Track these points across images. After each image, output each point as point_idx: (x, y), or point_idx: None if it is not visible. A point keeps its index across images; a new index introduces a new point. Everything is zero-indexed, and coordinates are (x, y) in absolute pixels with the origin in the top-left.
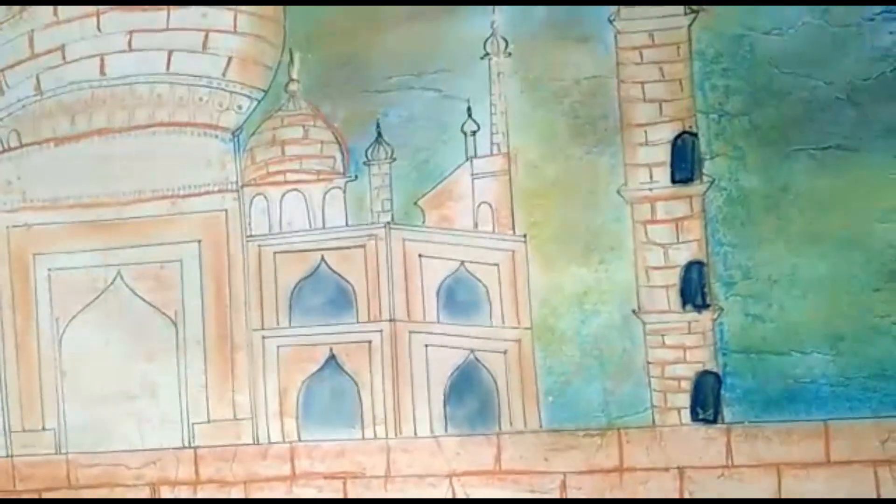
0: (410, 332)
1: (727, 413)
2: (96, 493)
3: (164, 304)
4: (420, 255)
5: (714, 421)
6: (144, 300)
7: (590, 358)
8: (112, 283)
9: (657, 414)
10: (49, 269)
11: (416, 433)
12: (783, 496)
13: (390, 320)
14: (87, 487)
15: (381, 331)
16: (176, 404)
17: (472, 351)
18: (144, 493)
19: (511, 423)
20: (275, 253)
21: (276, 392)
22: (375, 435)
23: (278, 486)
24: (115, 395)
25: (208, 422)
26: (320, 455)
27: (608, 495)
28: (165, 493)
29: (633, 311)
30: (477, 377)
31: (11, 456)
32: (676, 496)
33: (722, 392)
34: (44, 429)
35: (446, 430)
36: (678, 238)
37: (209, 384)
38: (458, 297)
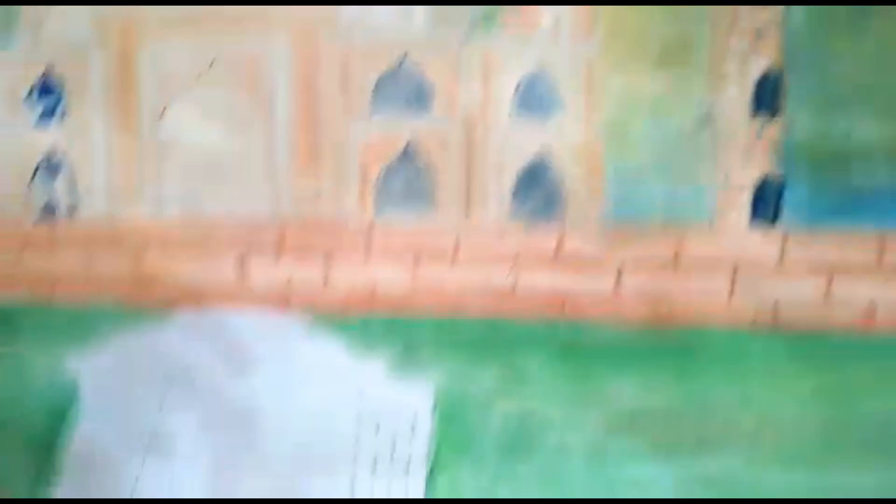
0: (485, 127)
1: (786, 217)
2: (189, 252)
3: (257, 90)
4: (499, 55)
5: (772, 224)
6: (238, 87)
7: (657, 160)
8: (208, 71)
9: (717, 214)
10: (151, 58)
11: (483, 220)
12: (831, 298)
13: (467, 116)
14: (182, 246)
15: (457, 124)
16: (265, 181)
17: (544, 147)
18: (231, 260)
19: (575, 216)
20: (361, 47)
21: (357, 175)
22: (447, 218)
23: (355, 260)
24: (209, 170)
25: (295, 198)
26: (395, 233)
27: (661, 286)
28: (252, 260)
29: (705, 117)
30: (545, 172)
31: (113, 215)
32: (727, 293)
33: (783, 198)
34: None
35: (512, 219)
36: (756, 47)
37: (297, 164)
38: (534, 96)
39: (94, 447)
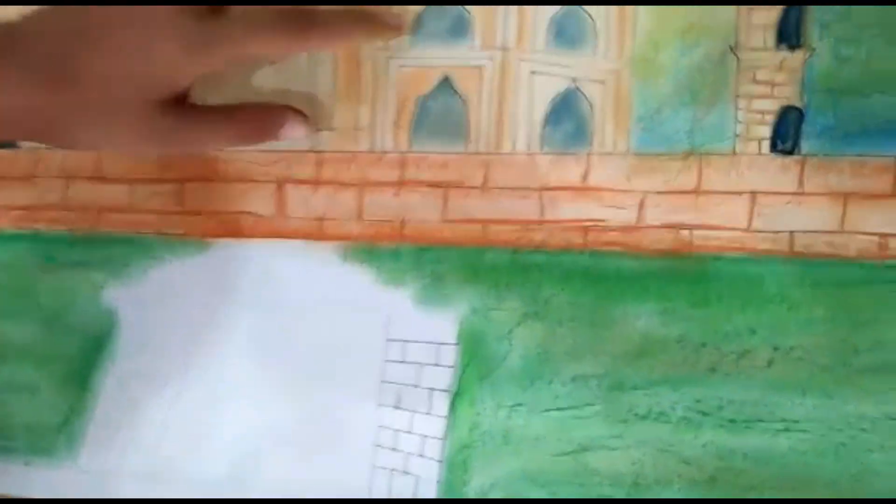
0: (520, 60)
1: (805, 146)
2: (230, 187)
3: None
4: None
5: (791, 152)
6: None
7: (682, 89)
8: None
9: (738, 143)
10: None
11: (513, 149)
12: (846, 226)
13: (502, 48)
14: (223, 180)
15: (492, 58)
16: (306, 111)
17: (574, 79)
18: (271, 189)
19: (601, 146)
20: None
21: (393, 106)
22: (478, 150)
23: (388, 190)
24: (252, 96)
25: (331, 129)
26: (427, 165)
27: (682, 215)
28: (289, 190)
29: (730, 47)
30: (575, 103)
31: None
32: (746, 219)
33: (803, 126)
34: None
35: (541, 149)
36: None
37: (336, 95)
38: (567, 30)
39: (131, 376)
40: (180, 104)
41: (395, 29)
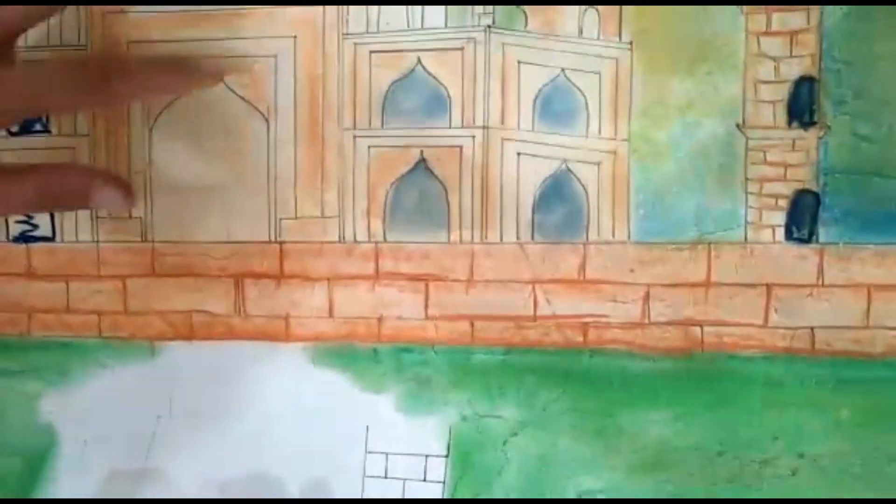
0: (503, 139)
1: (822, 233)
2: (180, 283)
3: (257, 99)
4: (519, 62)
5: (808, 240)
6: (237, 94)
7: (686, 172)
8: None
9: (751, 231)
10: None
11: (501, 239)
12: (871, 318)
13: (484, 127)
14: (170, 276)
15: (473, 137)
16: (264, 199)
17: (565, 161)
18: (228, 285)
19: (599, 235)
20: (370, 52)
21: (364, 192)
22: (461, 239)
23: (361, 285)
24: (203, 187)
25: (295, 218)
26: (405, 256)
27: (692, 309)
28: (249, 286)
29: (737, 126)
30: (568, 187)
31: (97, 241)
32: (762, 314)
33: (819, 212)
34: (130, 217)
35: (532, 238)
36: (791, 52)
37: (298, 181)
38: (555, 106)
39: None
40: None
41: (211, 77)
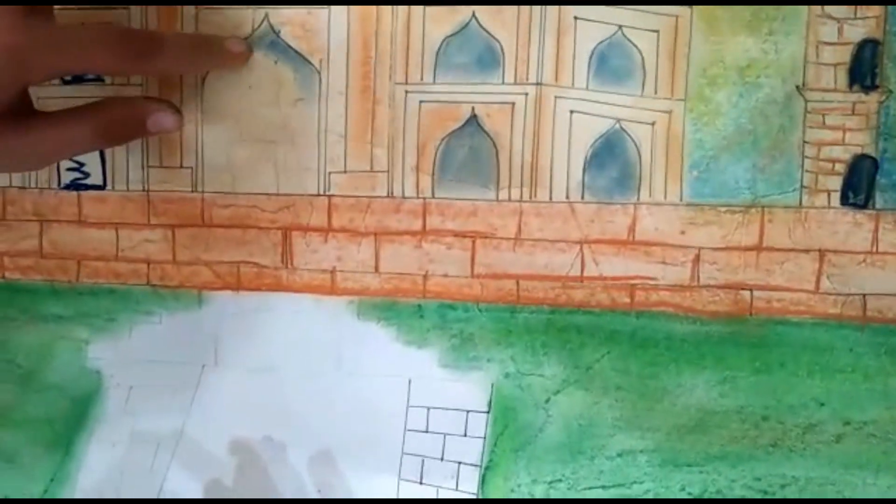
0: (556, 97)
1: (879, 199)
2: (229, 234)
3: (309, 51)
4: (576, 18)
5: (864, 206)
6: (289, 46)
7: (743, 133)
8: (259, 27)
9: (805, 195)
10: (192, 18)
11: (551, 198)
12: None
13: (537, 83)
14: (220, 226)
15: (526, 94)
16: (314, 152)
17: (619, 120)
18: (276, 238)
19: (650, 195)
20: (424, 5)
21: (414, 147)
22: (510, 197)
23: (408, 241)
24: (253, 139)
25: (345, 172)
26: (452, 213)
27: (742, 274)
28: (297, 239)
29: (797, 88)
30: (620, 147)
31: (147, 190)
32: (814, 279)
33: (877, 177)
34: (181, 166)
35: (582, 197)
36: (856, 13)
37: (348, 135)
38: (610, 64)
39: (119, 442)
40: (19, 113)
41: (240, 57)
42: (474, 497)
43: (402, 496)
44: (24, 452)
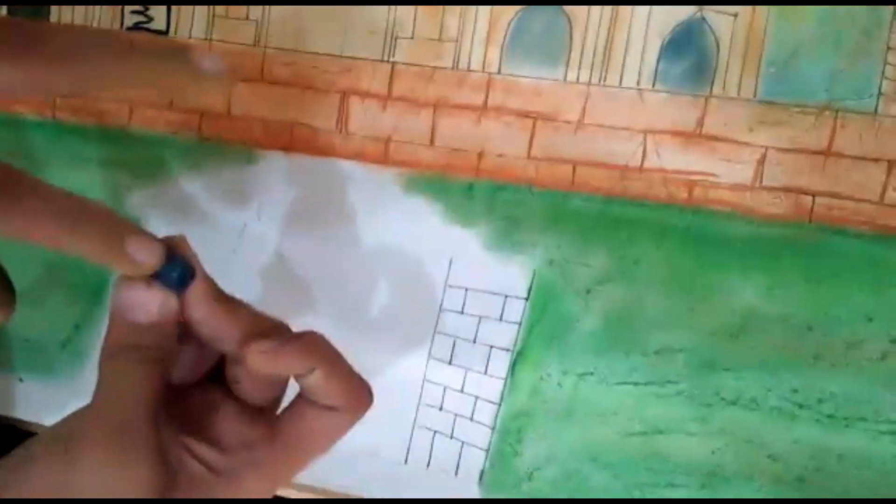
0: None
1: None
2: (286, 92)
3: None
4: None
5: None
6: None
7: (826, 33)
8: None
9: (882, 102)
10: None
11: (620, 83)
12: None
13: None
14: (279, 84)
15: None
16: (383, 15)
17: (701, 9)
18: (333, 101)
19: (724, 90)
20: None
21: (486, 18)
22: (578, 78)
23: (467, 116)
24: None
25: (412, 38)
26: (517, 90)
27: (807, 177)
28: (354, 104)
29: None
30: (699, 36)
31: (210, 39)
32: (879, 190)
33: None
34: (247, 18)
35: (653, 85)
36: None
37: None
38: None
39: None
40: None
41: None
42: (502, 379)
43: (429, 374)
44: (51, 296)
